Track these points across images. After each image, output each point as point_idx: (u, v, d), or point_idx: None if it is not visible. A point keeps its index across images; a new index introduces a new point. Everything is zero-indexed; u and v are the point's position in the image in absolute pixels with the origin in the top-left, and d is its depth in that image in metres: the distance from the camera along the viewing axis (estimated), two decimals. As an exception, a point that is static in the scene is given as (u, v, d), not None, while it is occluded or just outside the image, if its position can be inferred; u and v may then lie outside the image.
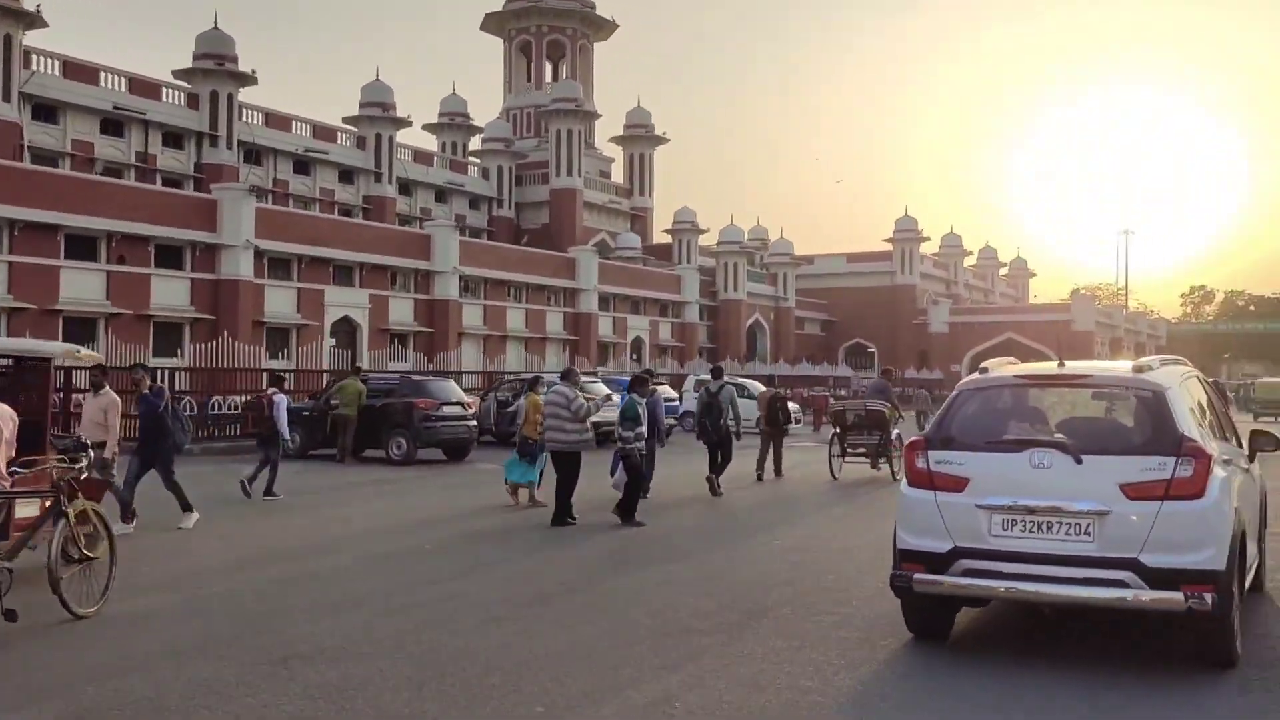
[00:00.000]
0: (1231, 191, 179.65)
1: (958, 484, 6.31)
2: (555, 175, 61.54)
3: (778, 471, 18.62)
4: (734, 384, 32.39)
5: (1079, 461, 6.07)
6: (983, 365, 7.22)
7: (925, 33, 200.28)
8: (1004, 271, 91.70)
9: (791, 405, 35.27)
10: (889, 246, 72.46)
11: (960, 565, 6.22)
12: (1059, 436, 6.44)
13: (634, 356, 53.42)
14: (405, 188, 56.16)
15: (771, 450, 18.68)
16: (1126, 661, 6.35)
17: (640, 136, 68.52)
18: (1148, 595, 5.83)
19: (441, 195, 58.92)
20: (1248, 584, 6.93)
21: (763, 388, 37.75)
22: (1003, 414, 6.82)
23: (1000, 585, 6.18)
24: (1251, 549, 7.02)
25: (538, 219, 62.99)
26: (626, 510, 12.47)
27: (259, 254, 34.64)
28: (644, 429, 13.19)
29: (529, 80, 67.72)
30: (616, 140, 69.08)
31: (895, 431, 18.73)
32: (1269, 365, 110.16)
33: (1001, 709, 5.55)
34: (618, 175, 69.54)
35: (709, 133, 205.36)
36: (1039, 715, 5.45)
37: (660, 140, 69.40)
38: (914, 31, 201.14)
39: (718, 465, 16.00)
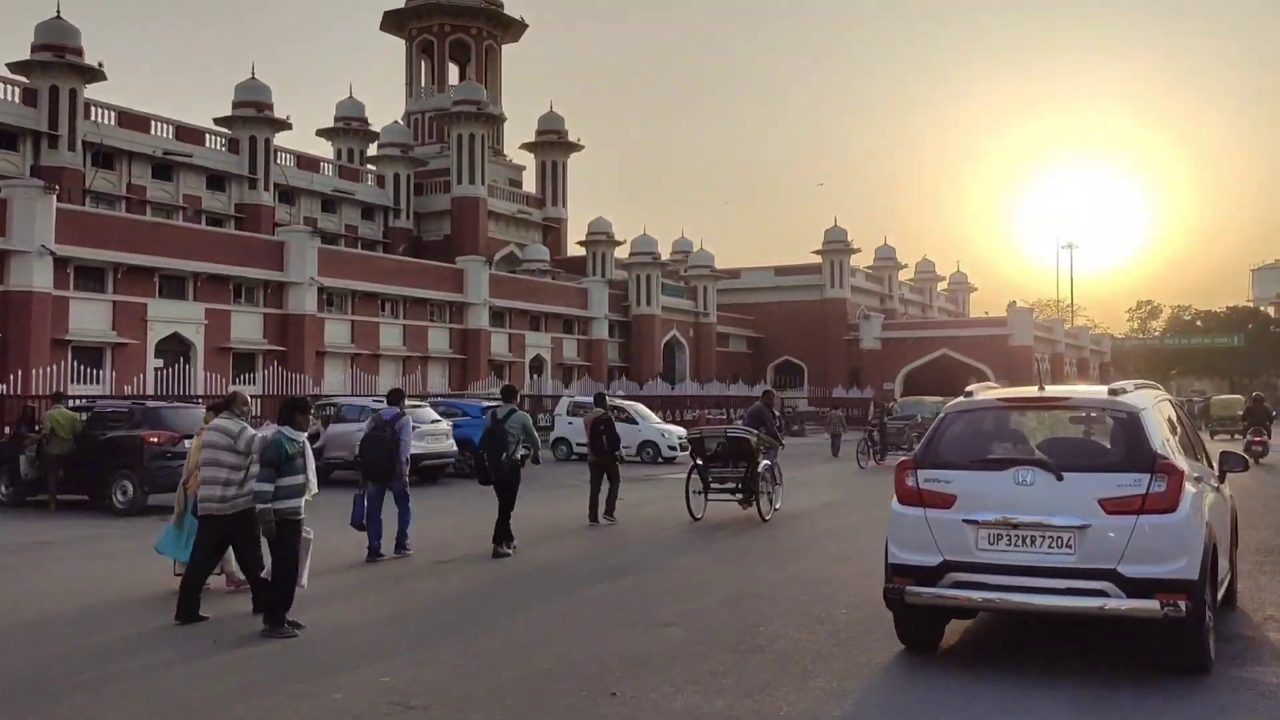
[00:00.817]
0: (1177, 206, 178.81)
1: (946, 501, 6.65)
2: (457, 183, 57.34)
3: (608, 512, 15.03)
4: (615, 406, 27.85)
5: (1060, 479, 6.42)
6: (967, 389, 7.50)
7: (863, 39, 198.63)
8: (943, 286, 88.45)
9: (675, 429, 31.75)
10: (819, 259, 68.72)
11: (950, 578, 6.56)
12: (1039, 455, 6.78)
13: (535, 376, 49.18)
14: (288, 196, 51.70)
15: (606, 486, 15.13)
16: (1105, 668, 6.63)
17: (553, 143, 64.52)
18: (1126, 604, 6.18)
19: (330, 204, 54.46)
20: (1220, 597, 7.23)
21: (647, 411, 33.92)
22: (986, 435, 7.16)
23: (987, 596, 6.52)
24: (1223, 564, 7.39)
25: (439, 230, 58.75)
26: (271, 614, 8.06)
27: (59, 262, 29.97)
28: (302, 479, 8.61)
29: (433, 83, 63.55)
30: (528, 147, 65.04)
31: (766, 463, 15.45)
32: (1216, 382, 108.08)
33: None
34: (529, 185, 65.49)
35: (630, 141, 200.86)
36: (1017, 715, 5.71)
37: (574, 147, 65.43)
38: (851, 38, 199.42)
39: (502, 515, 12.00)
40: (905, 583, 6.68)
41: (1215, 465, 7.86)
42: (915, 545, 6.70)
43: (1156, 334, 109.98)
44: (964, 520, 6.54)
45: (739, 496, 15.22)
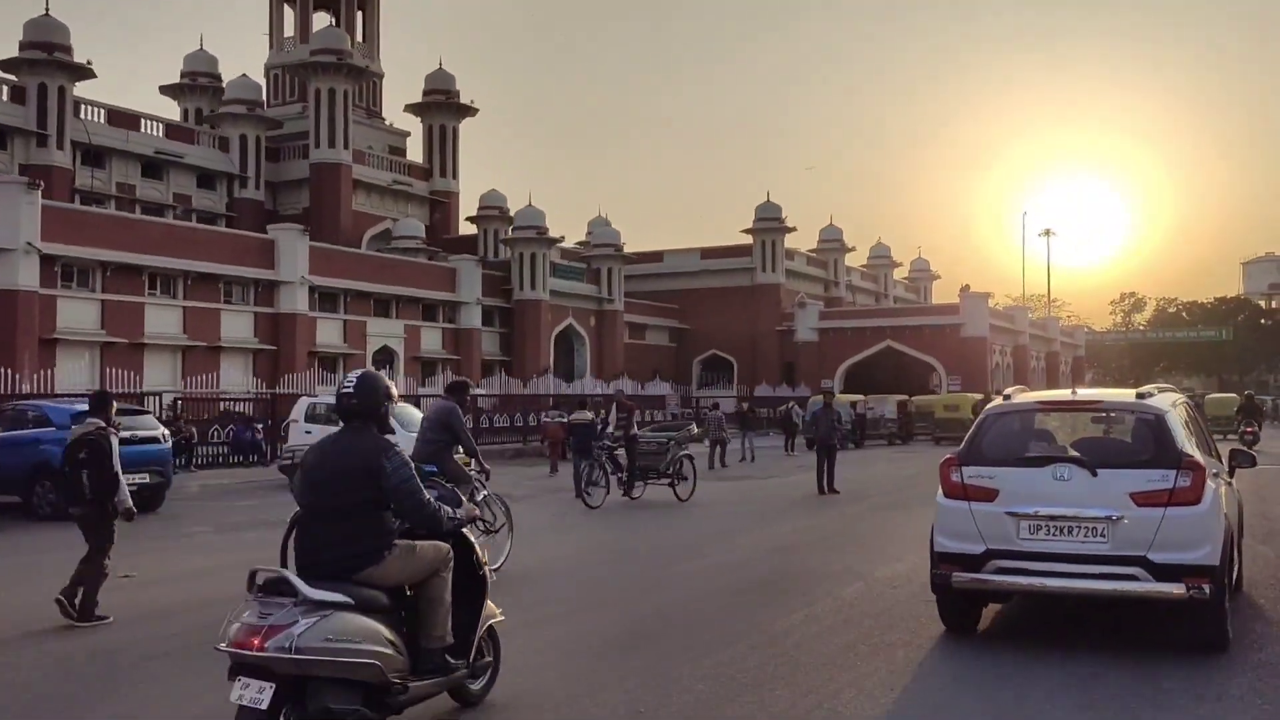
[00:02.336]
0: (1164, 200, 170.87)
1: (989, 495, 7.19)
2: (314, 146, 49.03)
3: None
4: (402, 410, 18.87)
5: (1094, 474, 7.00)
6: (1006, 392, 8.18)
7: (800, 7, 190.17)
8: (902, 274, 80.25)
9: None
10: (751, 240, 60.49)
11: (993, 564, 7.11)
12: (1074, 453, 7.37)
13: (385, 368, 40.86)
14: (97, 157, 43.35)
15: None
16: (1130, 647, 7.10)
17: (441, 105, 56.15)
18: (1155, 587, 6.74)
19: (154, 169, 46.03)
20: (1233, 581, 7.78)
21: (413, 413, 25.77)
22: (1021, 434, 7.76)
23: (1029, 580, 7.07)
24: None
25: (299, 203, 50.46)
26: None
27: None
28: None
29: (298, 34, 55.18)
30: (413, 109, 56.66)
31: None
32: (1204, 378, 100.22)
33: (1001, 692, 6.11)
34: (415, 153, 57.19)
35: (544, 109, 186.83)
36: (1047, 693, 6.10)
37: (467, 110, 57.09)
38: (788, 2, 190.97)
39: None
40: (951, 569, 7.23)
41: (1225, 462, 8.35)
42: (961, 535, 7.25)
43: (1141, 328, 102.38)
44: (1006, 512, 7.08)
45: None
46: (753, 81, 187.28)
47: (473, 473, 10.21)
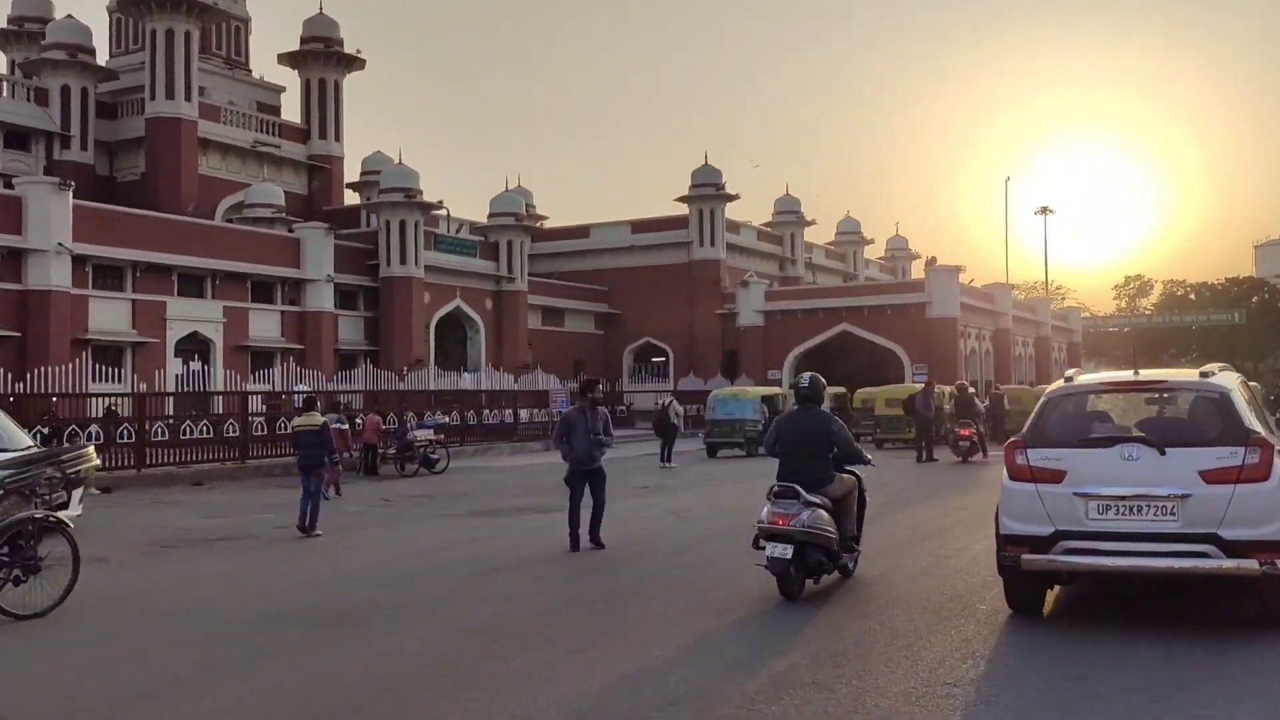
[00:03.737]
0: (1172, 186, 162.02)
1: (1056, 476, 7.25)
2: (151, 99, 41.14)
3: None
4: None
5: (1163, 454, 7.02)
6: (1068, 373, 8.24)
7: None
8: (877, 253, 72.15)
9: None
10: (687, 211, 52.37)
11: (1062, 545, 7.17)
12: (1139, 433, 7.44)
13: (187, 364, 32.98)
14: None
15: None
16: (1198, 626, 7.24)
17: (320, 55, 48.15)
18: (1227, 564, 6.80)
19: (-61, 125, 38.24)
20: None
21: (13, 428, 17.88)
22: (1083, 415, 7.88)
23: (1100, 561, 7.13)
24: None
25: (139, 165, 42.62)
26: None
27: None
28: None
29: (146, -29, 47.21)
30: (287, 60, 48.66)
31: None
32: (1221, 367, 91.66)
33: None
34: (291, 113, 49.24)
35: (453, 68, 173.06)
36: (1116, 667, 6.25)
37: (353, 62, 49.09)
38: None
39: None
40: (1019, 551, 7.29)
41: None
42: (1028, 517, 7.31)
43: (1146, 312, 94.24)
44: (1075, 493, 7.14)
45: None
46: (712, 45, 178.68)
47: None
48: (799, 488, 8.51)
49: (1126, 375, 8.17)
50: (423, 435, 24.88)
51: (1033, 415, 7.80)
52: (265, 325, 36.04)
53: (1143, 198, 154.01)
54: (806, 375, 9.38)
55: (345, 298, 39.30)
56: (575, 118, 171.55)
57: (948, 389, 27.88)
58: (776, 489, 8.61)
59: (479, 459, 29.46)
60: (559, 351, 49.31)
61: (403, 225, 39.72)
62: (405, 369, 36.64)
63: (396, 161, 41.42)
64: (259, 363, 34.81)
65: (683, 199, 51.97)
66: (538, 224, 56.95)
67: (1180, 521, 6.88)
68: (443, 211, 48.44)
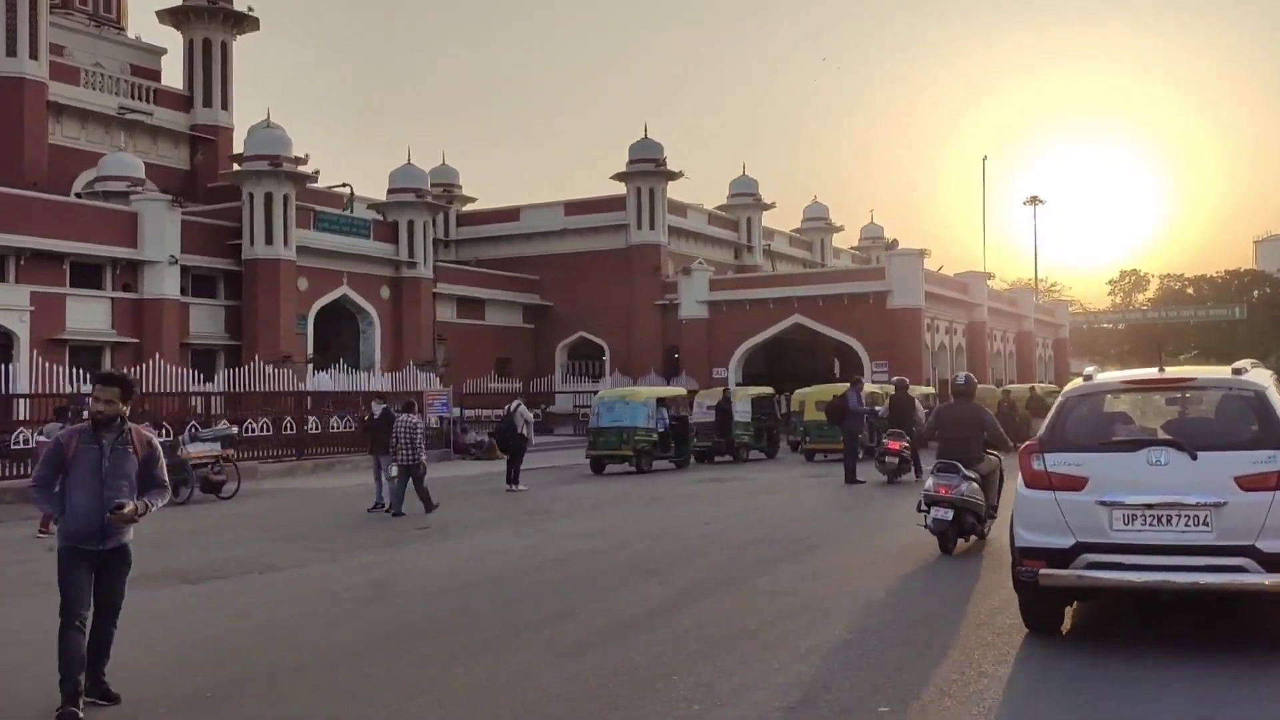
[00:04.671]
0: (1162, 175, 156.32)
1: (1077, 483, 6.72)
2: (-12, 55, 35.61)
3: None
4: None
5: (1194, 458, 6.49)
6: (1087, 372, 7.64)
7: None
8: (850, 244, 66.61)
9: None
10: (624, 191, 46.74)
11: (1084, 559, 6.64)
12: (1166, 435, 6.92)
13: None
14: None
15: None
16: (1232, 646, 6.77)
17: (204, 10, 42.55)
18: (1268, 579, 6.27)
19: None
20: None
21: None
22: (1104, 417, 7.37)
23: (1125, 576, 6.56)
24: None
25: (-19, 137, 37.05)
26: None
27: None
28: None
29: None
30: (170, 19, 43.06)
31: None
32: (1215, 363, 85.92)
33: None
34: (174, 78, 43.67)
35: (371, 33, 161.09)
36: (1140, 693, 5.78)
37: (243, 20, 43.52)
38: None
39: None
40: (1037, 565, 6.77)
41: None
42: (1046, 528, 6.80)
43: (1142, 307, 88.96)
44: (1098, 502, 6.64)
45: None
46: (661, 9, 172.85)
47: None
48: (959, 464, 10.85)
49: (1151, 372, 7.65)
50: (198, 450, 19.36)
51: (1049, 416, 7.36)
52: (89, 315, 30.38)
53: (1141, 196, 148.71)
54: (963, 374, 12.14)
55: (202, 284, 33.76)
56: (509, 92, 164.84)
57: (839, 388, 22.28)
58: (939, 465, 10.99)
59: (302, 478, 23.95)
60: (480, 347, 43.82)
61: (269, 199, 34.11)
62: (273, 365, 31.08)
63: (266, 122, 35.69)
64: (83, 359, 29.20)
65: (620, 176, 46.35)
66: (464, 205, 51.54)
67: (1214, 532, 6.43)
68: (345, 190, 43.02)
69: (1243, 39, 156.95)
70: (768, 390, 29.67)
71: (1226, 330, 77.64)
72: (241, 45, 44.16)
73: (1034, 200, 71.17)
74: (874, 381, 37.65)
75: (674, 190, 47.55)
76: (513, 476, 19.55)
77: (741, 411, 26.61)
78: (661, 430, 24.25)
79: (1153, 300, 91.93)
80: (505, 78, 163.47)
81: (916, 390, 33.23)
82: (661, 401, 24.89)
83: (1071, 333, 72.51)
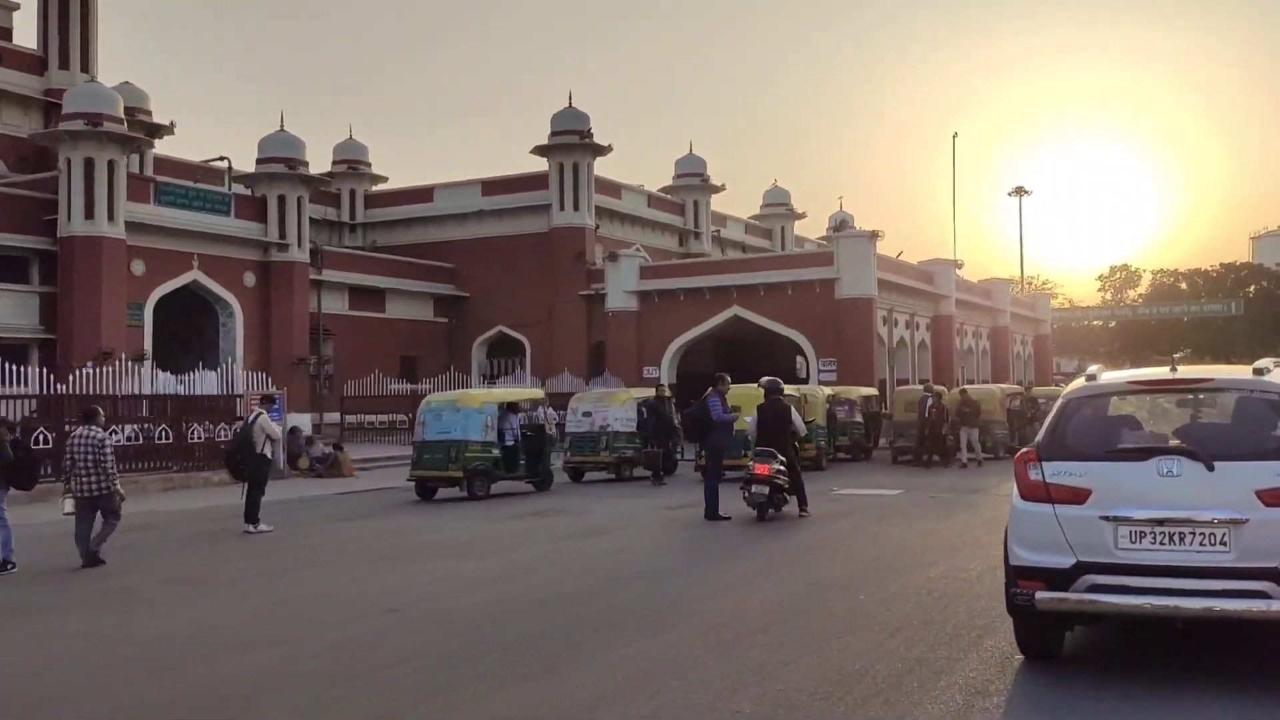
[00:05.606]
0: (1158, 175, 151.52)
1: (1078, 496, 6.03)
2: None
3: None
4: None
5: (1211, 469, 5.80)
6: (1090, 371, 6.81)
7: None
8: (816, 230, 61.41)
9: None
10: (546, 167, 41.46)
11: (1086, 580, 5.94)
12: (1175, 443, 6.21)
13: None
14: None
15: None
16: (1244, 680, 6.08)
17: (60, -39, 37.25)
18: None
19: None
20: None
21: None
22: (1110, 422, 6.62)
23: (1132, 600, 5.86)
24: None
25: None
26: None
27: None
28: None
29: None
30: (22, -29, 37.80)
31: None
32: (1209, 362, 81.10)
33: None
34: (27, 37, 38.35)
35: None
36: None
37: (108, -28, 38.25)
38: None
39: None
40: (1034, 587, 6.05)
41: None
42: (1044, 546, 6.08)
43: (1132, 303, 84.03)
44: (1101, 517, 5.94)
45: None
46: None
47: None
48: (774, 450, 13.45)
49: (1162, 372, 6.73)
50: None
51: (1049, 420, 6.55)
52: None
53: (1140, 196, 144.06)
54: (768, 379, 14.69)
55: (11, 267, 28.45)
56: (429, 60, 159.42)
57: (752, 389, 16.78)
58: (758, 451, 13.49)
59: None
60: (379, 344, 38.60)
61: (90, 165, 28.77)
62: (92, 363, 25.76)
63: (89, 76, 30.39)
64: None
65: (540, 150, 41.07)
66: (374, 185, 46.28)
67: (1233, 553, 5.67)
68: (222, 165, 37.87)
69: (1242, 38, 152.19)
70: (665, 395, 24.42)
71: (1222, 327, 72.99)
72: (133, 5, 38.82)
73: (1019, 191, 66.40)
74: (821, 382, 32.69)
75: (617, 171, 42.40)
76: (250, 513, 14.19)
77: (622, 420, 21.37)
78: (509, 444, 18.99)
79: (1144, 296, 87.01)
80: (430, 50, 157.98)
81: (855, 391, 28.30)
82: (513, 407, 19.60)
83: (1057, 330, 67.50)
